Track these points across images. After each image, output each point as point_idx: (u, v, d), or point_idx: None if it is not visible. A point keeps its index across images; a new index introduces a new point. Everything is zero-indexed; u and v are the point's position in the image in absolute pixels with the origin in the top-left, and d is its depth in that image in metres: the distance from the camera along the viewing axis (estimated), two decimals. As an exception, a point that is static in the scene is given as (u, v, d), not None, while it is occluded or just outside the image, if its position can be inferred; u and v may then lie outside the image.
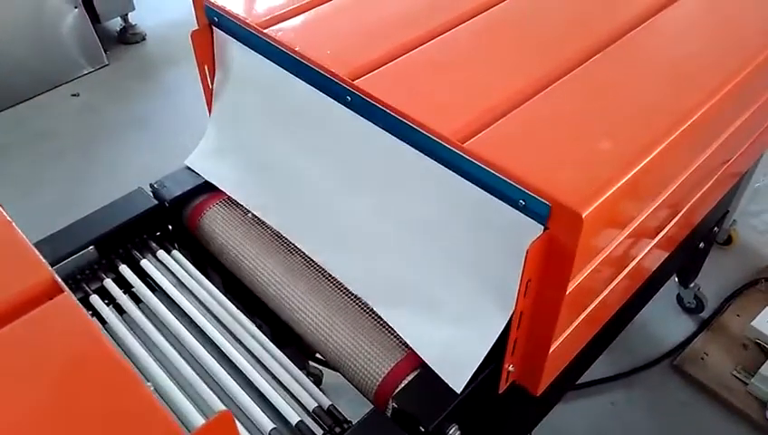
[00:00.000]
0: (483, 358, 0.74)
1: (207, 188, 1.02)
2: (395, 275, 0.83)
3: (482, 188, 0.72)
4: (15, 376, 0.39)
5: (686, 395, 1.56)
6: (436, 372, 0.76)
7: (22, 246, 0.46)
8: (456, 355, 0.75)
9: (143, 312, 0.89)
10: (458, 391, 0.74)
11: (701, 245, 1.46)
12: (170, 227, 1.03)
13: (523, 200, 0.68)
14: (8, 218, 0.46)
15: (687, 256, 1.48)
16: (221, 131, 1.04)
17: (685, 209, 0.98)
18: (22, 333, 0.41)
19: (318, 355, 1.15)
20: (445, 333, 0.77)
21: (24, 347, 0.41)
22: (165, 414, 0.36)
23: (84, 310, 0.42)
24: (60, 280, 0.43)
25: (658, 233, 0.93)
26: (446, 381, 0.75)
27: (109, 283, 0.91)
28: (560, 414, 1.39)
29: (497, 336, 0.73)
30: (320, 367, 1.39)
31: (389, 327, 0.82)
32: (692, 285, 1.68)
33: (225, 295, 0.92)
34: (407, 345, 0.80)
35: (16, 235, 0.46)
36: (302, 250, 0.90)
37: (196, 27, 1.01)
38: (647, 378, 1.59)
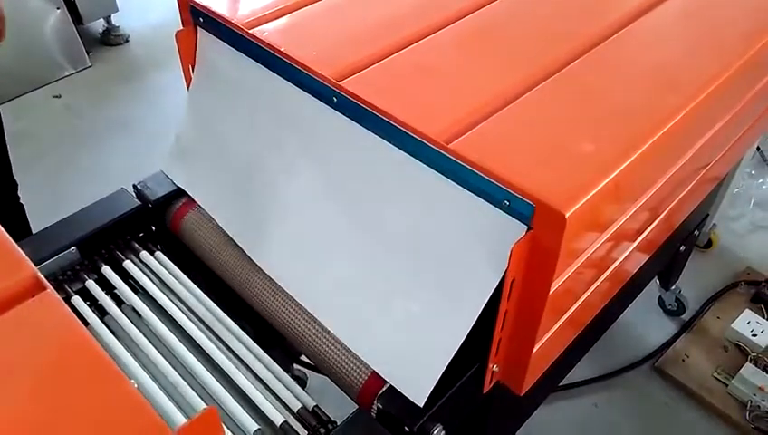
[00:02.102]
0: (445, 366, 0.72)
1: (191, 189, 1.01)
2: (357, 285, 0.81)
3: (466, 188, 0.73)
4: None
5: (667, 396, 1.58)
6: (397, 387, 0.75)
7: (3, 244, 0.45)
8: (418, 368, 0.74)
9: (125, 313, 0.88)
10: (420, 405, 0.73)
11: (682, 247, 1.48)
12: (153, 228, 1.02)
13: (507, 200, 0.69)
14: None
15: (668, 259, 1.50)
16: (195, 132, 1.03)
17: (666, 211, 0.99)
18: (4, 330, 0.41)
19: (303, 357, 1.14)
20: (406, 346, 0.76)
21: (7, 343, 0.40)
22: (150, 410, 0.36)
23: (67, 307, 0.41)
24: (42, 277, 0.43)
25: (640, 235, 0.94)
26: (406, 395, 0.74)
27: (91, 284, 0.90)
28: (543, 415, 1.40)
29: (461, 340, 0.72)
30: (304, 369, 1.38)
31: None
32: (673, 287, 1.70)
33: (209, 297, 0.91)
34: (391, 346, 0.80)
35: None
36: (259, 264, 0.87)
37: (181, 28, 1.00)
38: (629, 379, 1.61)
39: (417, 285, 0.77)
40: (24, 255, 0.45)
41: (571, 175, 0.70)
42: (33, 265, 0.44)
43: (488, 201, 0.71)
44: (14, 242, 0.45)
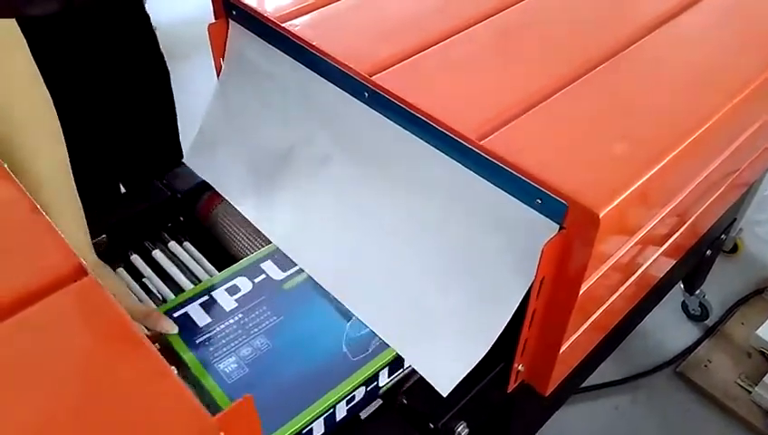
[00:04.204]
0: (477, 362, 0.73)
1: (220, 181, 1.02)
2: (390, 278, 0.81)
3: (497, 186, 0.72)
4: (41, 355, 0.39)
5: (689, 401, 1.56)
6: (422, 374, 0.75)
7: (45, 228, 0.46)
8: (448, 359, 0.74)
9: (154, 302, 0.89)
10: (444, 395, 0.72)
11: (708, 252, 1.46)
12: (182, 218, 1.03)
13: (540, 199, 0.68)
14: (34, 203, 0.46)
15: (694, 263, 1.48)
16: (222, 124, 1.03)
17: (695, 215, 0.98)
18: (46, 314, 0.41)
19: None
20: (436, 336, 0.76)
21: (49, 327, 0.41)
22: (191, 397, 0.37)
23: (109, 293, 0.42)
24: (84, 262, 0.44)
25: (669, 238, 0.93)
26: (432, 383, 0.74)
27: (121, 271, 0.91)
28: (564, 416, 1.39)
29: (494, 340, 0.72)
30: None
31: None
32: (697, 292, 1.68)
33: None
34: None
35: (41, 218, 0.46)
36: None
37: (213, 21, 1.01)
38: (650, 383, 1.60)
39: (449, 280, 0.77)
40: (65, 240, 0.45)
41: (604, 175, 0.69)
42: (74, 251, 0.45)
43: (520, 199, 0.71)
44: (55, 226, 0.46)
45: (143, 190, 1.03)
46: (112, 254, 0.94)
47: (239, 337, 0.76)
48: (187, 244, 0.98)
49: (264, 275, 0.84)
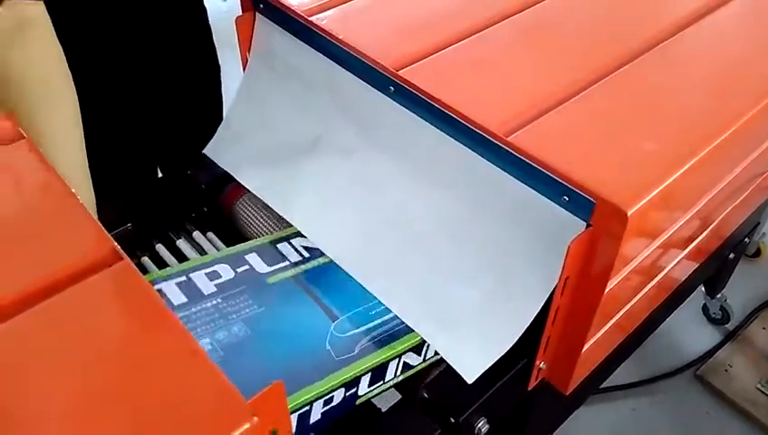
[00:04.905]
0: (503, 353, 0.73)
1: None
2: (418, 269, 0.82)
3: (524, 182, 0.72)
4: (77, 337, 0.40)
5: (708, 406, 1.55)
6: (447, 360, 0.75)
7: (81, 214, 0.47)
8: (474, 348, 0.74)
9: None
10: (469, 382, 0.73)
11: (731, 255, 1.45)
12: (206, 209, 1.04)
13: (567, 196, 0.68)
14: (71, 189, 0.47)
15: (716, 266, 1.47)
16: (246, 117, 1.03)
17: (721, 217, 0.97)
18: (83, 297, 0.42)
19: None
20: (467, 326, 0.76)
21: (85, 311, 0.42)
22: (226, 381, 0.37)
23: (144, 277, 0.42)
24: (119, 247, 0.44)
25: (693, 240, 0.92)
26: (458, 371, 0.74)
27: (146, 260, 0.92)
28: (580, 416, 1.39)
29: (523, 330, 0.73)
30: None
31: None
32: (718, 295, 1.66)
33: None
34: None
35: (77, 202, 0.47)
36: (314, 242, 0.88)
37: (241, 14, 1.02)
38: (669, 386, 1.58)
39: (476, 272, 0.77)
40: (100, 225, 0.46)
41: (633, 173, 0.69)
42: (110, 235, 0.45)
43: (546, 196, 0.70)
44: (90, 212, 0.47)
45: (178, 177, 1.03)
46: (137, 242, 0.95)
47: (216, 320, 0.71)
48: (210, 234, 0.99)
49: (247, 266, 0.80)
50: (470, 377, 0.73)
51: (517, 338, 0.72)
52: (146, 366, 0.39)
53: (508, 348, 0.72)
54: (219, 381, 0.37)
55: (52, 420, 0.36)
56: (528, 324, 0.72)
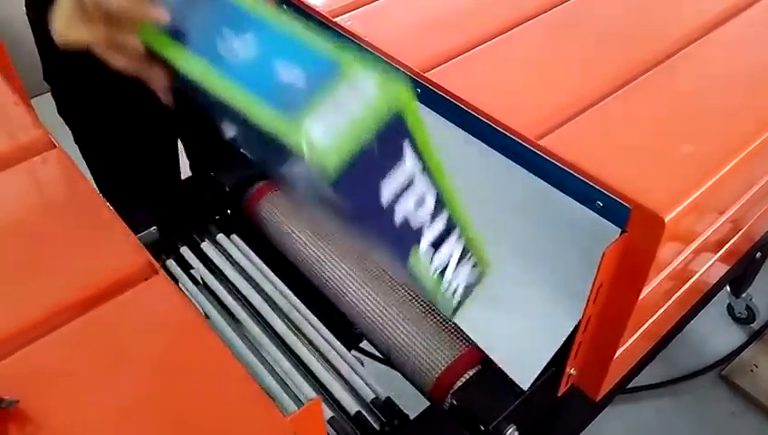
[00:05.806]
0: (549, 359, 0.73)
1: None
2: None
3: (556, 187, 0.71)
4: (118, 352, 0.40)
5: (733, 406, 1.53)
6: (503, 369, 0.75)
7: (117, 227, 0.46)
8: (523, 355, 0.74)
9: (203, 294, 0.90)
10: (525, 389, 0.73)
11: (758, 255, 1.42)
12: (229, 211, 1.03)
13: (601, 202, 0.67)
14: (106, 203, 0.47)
15: (743, 266, 1.45)
16: None
17: (753, 219, 0.95)
18: (119, 312, 0.42)
19: (365, 347, 1.14)
20: (513, 333, 0.76)
21: (122, 325, 0.41)
22: (266, 397, 0.36)
23: (180, 291, 0.42)
24: (155, 261, 0.44)
25: (726, 243, 0.91)
26: (513, 378, 0.74)
27: (171, 263, 0.92)
28: (604, 417, 1.37)
29: (565, 338, 0.72)
30: (362, 357, 1.39)
31: (451, 325, 0.81)
32: (744, 295, 1.64)
33: (284, 283, 0.92)
34: (466, 341, 0.80)
35: (114, 216, 0.46)
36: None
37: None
38: (693, 387, 1.56)
39: (522, 283, 0.76)
40: (136, 238, 0.46)
41: (669, 178, 0.67)
42: (146, 250, 0.45)
43: (580, 201, 0.69)
44: (126, 226, 0.46)
45: (201, 180, 1.03)
46: (162, 246, 0.95)
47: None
48: (234, 236, 0.99)
49: None
50: (525, 384, 0.73)
51: (558, 346, 0.71)
52: (185, 380, 0.39)
53: (552, 354, 0.72)
54: (259, 396, 0.36)
55: (92, 431, 0.36)
56: (569, 332, 0.71)
